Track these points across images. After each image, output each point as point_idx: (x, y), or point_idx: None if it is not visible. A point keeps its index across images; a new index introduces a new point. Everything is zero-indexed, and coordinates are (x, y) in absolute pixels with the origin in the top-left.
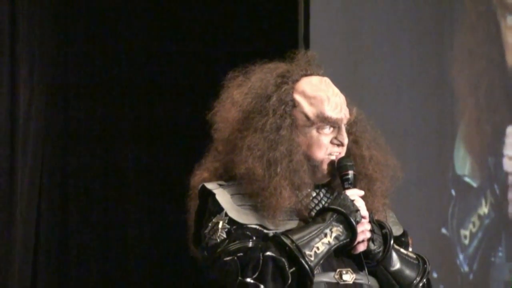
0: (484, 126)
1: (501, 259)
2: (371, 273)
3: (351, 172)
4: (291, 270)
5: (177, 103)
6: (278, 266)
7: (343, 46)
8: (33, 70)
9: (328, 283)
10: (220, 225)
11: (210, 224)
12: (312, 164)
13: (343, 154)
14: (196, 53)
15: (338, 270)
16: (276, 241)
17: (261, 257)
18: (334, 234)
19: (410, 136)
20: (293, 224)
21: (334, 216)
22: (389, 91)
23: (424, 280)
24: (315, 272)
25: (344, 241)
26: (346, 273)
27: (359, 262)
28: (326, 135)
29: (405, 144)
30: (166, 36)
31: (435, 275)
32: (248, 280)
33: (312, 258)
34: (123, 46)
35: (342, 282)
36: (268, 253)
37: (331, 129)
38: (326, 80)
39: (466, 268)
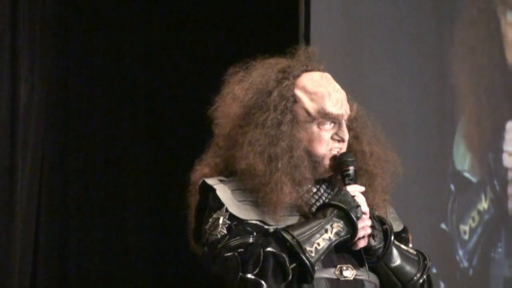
0: (484, 122)
1: (500, 254)
2: (372, 269)
3: (351, 168)
4: (292, 266)
5: (178, 99)
6: (279, 262)
7: (343, 42)
8: (34, 67)
9: (328, 279)
10: (220, 221)
11: (210, 220)
12: (313, 159)
13: (344, 150)
14: (197, 49)
15: (338, 266)
16: (276, 236)
17: (262, 253)
18: (334, 230)
19: (410, 132)
20: (293, 219)
21: (335, 212)
22: (389, 87)
23: (425, 276)
24: (316, 268)
25: (345, 237)
26: (347, 269)
27: (359, 258)
28: (327, 130)
29: (405, 140)
30: (166, 33)
31: (434, 270)
32: (249, 275)
33: (313, 254)
34: (123, 43)
35: (342, 278)
36: (269, 248)
37: (332, 124)
38: (327, 75)
39: (465, 264)
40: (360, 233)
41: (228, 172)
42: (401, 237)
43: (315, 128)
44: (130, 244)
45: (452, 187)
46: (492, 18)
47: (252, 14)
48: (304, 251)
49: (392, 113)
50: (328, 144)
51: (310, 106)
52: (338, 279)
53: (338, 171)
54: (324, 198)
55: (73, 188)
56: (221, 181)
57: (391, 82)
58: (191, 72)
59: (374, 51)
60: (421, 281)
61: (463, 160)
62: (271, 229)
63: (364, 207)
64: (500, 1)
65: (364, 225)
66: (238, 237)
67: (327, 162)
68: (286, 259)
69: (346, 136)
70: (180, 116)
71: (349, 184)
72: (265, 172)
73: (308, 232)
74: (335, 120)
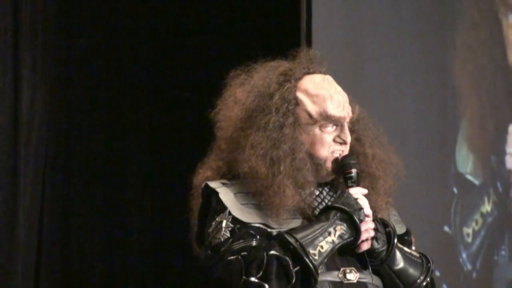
0: (487, 124)
1: (504, 257)
2: (375, 272)
3: (354, 171)
4: (295, 269)
5: (180, 102)
6: (282, 265)
7: (345, 44)
8: (36, 69)
9: (332, 282)
10: (223, 224)
11: (213, 223)
12: (315, 162)
13: (346, 152)
14: (199, 52)
15: (342, 269)
16: (280, 240)
17: (265, 256)
18: (338, 233)
19: (412, 134)
20: (296, 222)
21: (338, 214)
22: (391, 89)
23: (428, 279)
24: (319, 271)
25: (348, 239)
26: (350, 272)
27: (363, 261)
28: (329, 133)
29: (407, 142)
30: (168, 36)
31: (438, 273)
32: (253, 279)
33: (316, 257)
34: (125, 45)
35: (346, 281)
36: (272, 252)
37: (334, 127)
38: (329, 78)
39: (469, 267)
40: (363, 236)
41: (230, 175)
42: (404, 239)
43: (317, 130)
44: (133, 246)
45: (454, 189)
46: (494, 19)
47: (254, 16)
48: (307, 254)
49: (393, 115)
50: (330, 146)
51: (312, 108)
52: (341, 282)
53: (341, 173)
54: (326, 201)
55: (76, 190)
56: (223, 184)
57: (393, 84)
58: (193, 75)
59: (375, 53)
60: (424, 283)
61: (466, 163)
62: (274, 232)
63: (367, 210)
64: (502, 2)
65: (367, 228)
66: (242, 240)
67: (329, 164)
68: (290, 262)
69: (348, 139)
70: (182, 119)
71: (351, 186)
72: (267, 175)
73: (312, 235)
74: (337, 122)
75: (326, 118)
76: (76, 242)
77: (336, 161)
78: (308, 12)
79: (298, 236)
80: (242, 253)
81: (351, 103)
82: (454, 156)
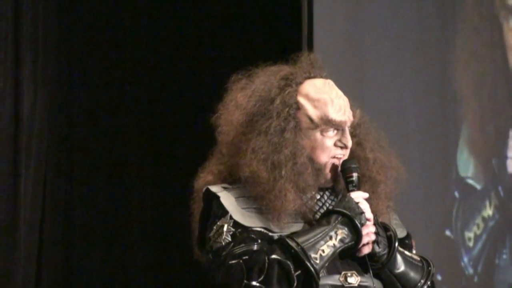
0: (488, 128)
1: (505, 261)
2: (376, 276)
3: (355, 175)
4: (297, 273)
5: (181, 106)
6: (284, 269)
7: (346, 48)
8: (37, 70)
9: (333, 286)
10: (225, 228)
11: (215, 227)
12: (316, 166)
13: (347, 157)
14: (200, 56)
15: (343, 272)
16: (281, 244)
17: (267, 260)
18: (339, 237)
19: (413, 138)
20: (298, 226)
21: (339, 218)
22: (392, 93)
23: (429, 282)
24: (320, 275)
25: (349, 243)
26: (351, 275)
27: (364, 264)
28: (330, 137)
29: (408, 146)
30: (169, 39)
31: (439, 277)
32: (254, 283)
33: (318, 261)
34: (126, 46)
35: (347, 285)
36: (274, 256)
37: (335, 131)
38: (330, 82)
39: (470, 271)
40: (365, 240)
41: (231, 180)
42: (405, 243)
43: (318, 135)
44: (134, 247)
45: (456, 193)
46: (495, 24)
47: (255, 21)
48: (309, 258)
49: (395, 119)
50: (331, 151)
51: (313, 113)
52: (342, 286)
53: (342, 177)
54: (328, 205)
55: (77, 191)
56: (225, 188)
57: (394, 88)
58: (194, 79)
59: (377, 57)
60: (425, 287)
61: (467, 167)
62: (276, 236)
63: (368, 214)
64: (503, 7)
65: (369, 232)
66: (243, 245)
67: (330, 169)
68: (291, 267)
69: (349, 143)
70: (183, 123)
71: (352, 190)
72: (268, 179)
73: (313, 239)
74: (338, 126)
75: (327, 123)
76: (77, 243)
77: (337, 165)
78: (309, 16)
79: (300, 240)
80: (244, 257)
81: (352, 107)
82: (455, 160)
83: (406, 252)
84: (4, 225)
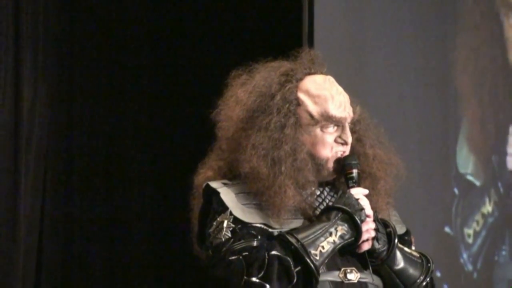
0: (488, 124)
1: (505, 258)
2: (376, 272)
3: (355, 171)
4: (297, 269)
5: (180, 101)
6: (284, 265)
7: (347, 44)
8: (37, 69)
9: (333, 282)
10: (225, 224)
11: (214, 223)
12: (317, 162)
13: (347, 153)
14: (200, 52)
15: (342, 269)
16: (281, 240)
17: (267, 256)
18: (339, 233)
19: (413, 134)
20: (297, 223)
21: (339, 215)
22: (393, 89)
23: (428, 279)
24: (320, 271)
25: (349, 240)
26: (351, 272)
27: (363, 261)
28: (330, 134)
29: (408, 143)
30: (170, 34)
31: (438, 274)
32: (254, 279)
33: (318, 257)
34: (127, 44)
35: (346, 281)
36: (274, 252)
37: (335, 127)
38: (330, 78)
39: (470, 267)
40: (364, 236)
41: (231, 175)
42: (404, 239)
43: (318, 131)
44: (134, 246)
45: (455, 190)
46: (495, 20)
47: (255, 17)
48: (309, 254)
49: (395, 116)
50: (331, 147)
51: (314, 109)
52: (342, 282)
53: (342, 174)
54: (327, 201)
55: (77, 190)
56: (225, 184)
57: (394, 84)
58: (194, 75)
59: (377, 54)
60: (424, 283)
61: (467, 163)
62: (275, 232)
63: (368, 210)
64: (503, 3)
65: (368, 228)
66: (243, 241)
67: (330, 165)
68: (291, 263)
69: (350, 139)
70: (184, 119)
71: (352, 187)
72: (268, 175)
73: (313, 235)
74: (338, 123)
75: (327, 119)
76: (77, 245)
77: (337, 161)
78: (310, 12)
79: (300, 236)
80: (243, 253)
81: (352, 103)
82: (455, 157)
83: (406, 249)
84: (4, 223)
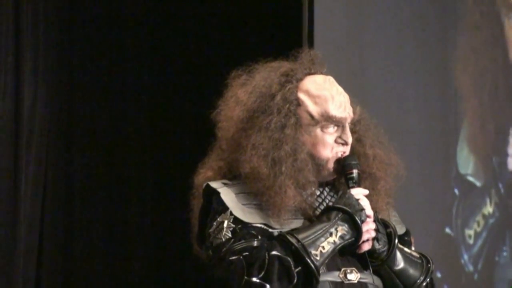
0: (488, 125)
1: (505, 258)
2: (376, 272)
3: (355, 171)
4: (297, 269)
5: (181, 102)
6: (284, 265)
7: (347, 45)
8: (37, 69)
9: (333, 282)
10: (225, 224)
11: (215, 223)
12: (317, 163)
13: (347, 153)
14: (200, 52)
15: (343, 269)
16: (281, 240)
17: (267, 257)
18: (339, 233)
19: (414, 135)
20: (298, 223)
21: (339, 215)
22: (393, 90)
23: (428, 279)
24: (320, 271)
25: (349, 240)
26: (351, 272)
27: (363, 261)
28: (330, 134)
29: (409, 143)
30: (169, 35)
31: (439, 274)
32: (254, 279)
33: (318, 258)
34: (127, 45)
35: (347, 281)
36: (274, 252)
37: (335, 128)
38: (330, 79)
39: (470, 268)
40: (365, 237)
41: (231, 175)
42: (404, 240)
43: (318, 131)
44: (134, 246)
45: (456, 191)
46: (496, 21)
47: (255, 17)
48: (309, 254)
49: (395, 116)
50: (331, 147)
51: (314, 109)
52: (342, 282)
53: (342, 174)
54: (328, 201)
55: (77, 191)
56: (225, 184)
57: (394, 85)
58: (194, 76)
59: (377, 54)
60: (424, 284)
61: (467, 164)
62: (276, 232)
63: (368, 210)
64: (504, 4)
65: (369, 228)
66: (243, 241)
67: (331, 165)
68: (291, 263)
69: (350, 139)
70: (184, 119)
71: (353, 187)
72: (269, 175)
73: (313, 236)
74: (338, 123)
75: (328, 119)
76: (77, 244)
77: (337, 161)
78: (310, 12)
79: (300, 236)
80: (244, 254)
81: (352, 103)
82: (455, 158)
83: (406, 249)
84: (4, 222)
